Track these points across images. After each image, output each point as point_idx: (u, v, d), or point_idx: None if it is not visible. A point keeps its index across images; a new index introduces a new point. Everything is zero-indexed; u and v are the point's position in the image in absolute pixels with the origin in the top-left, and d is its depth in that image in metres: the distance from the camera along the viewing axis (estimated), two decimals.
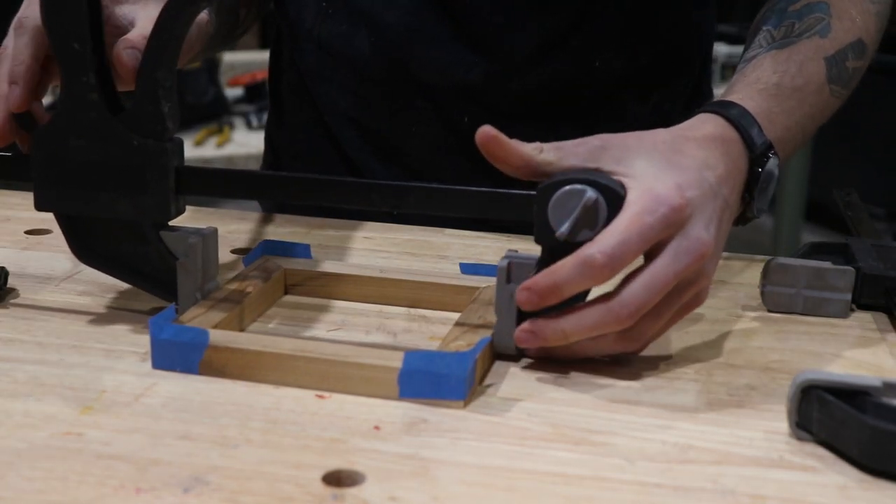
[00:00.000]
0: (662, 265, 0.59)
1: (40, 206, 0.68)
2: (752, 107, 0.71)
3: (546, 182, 0.61)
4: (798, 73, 0.76)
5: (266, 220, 0.94)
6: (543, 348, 0.63)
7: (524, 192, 0.62)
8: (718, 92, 0.80)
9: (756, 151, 0.68)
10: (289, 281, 0.75)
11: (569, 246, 0.60)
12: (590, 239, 0.60)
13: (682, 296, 0.61)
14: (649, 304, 0.59)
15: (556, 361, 0.64)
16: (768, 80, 0.74)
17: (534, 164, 0.61)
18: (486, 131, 0.60)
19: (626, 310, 0.59)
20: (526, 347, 0.63)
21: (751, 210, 0.70)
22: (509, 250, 0.64)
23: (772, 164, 0.69)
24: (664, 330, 0.63)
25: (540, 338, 0.61)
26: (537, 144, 0.61)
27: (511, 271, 0.62)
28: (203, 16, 0.75)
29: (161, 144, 0.65)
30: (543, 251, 0.62)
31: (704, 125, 0.68)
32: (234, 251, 0.84)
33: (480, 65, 0.89)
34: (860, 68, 0.81)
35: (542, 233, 0.61)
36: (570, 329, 0.60)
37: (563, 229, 0.60)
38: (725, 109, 0.69)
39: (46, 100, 0.72)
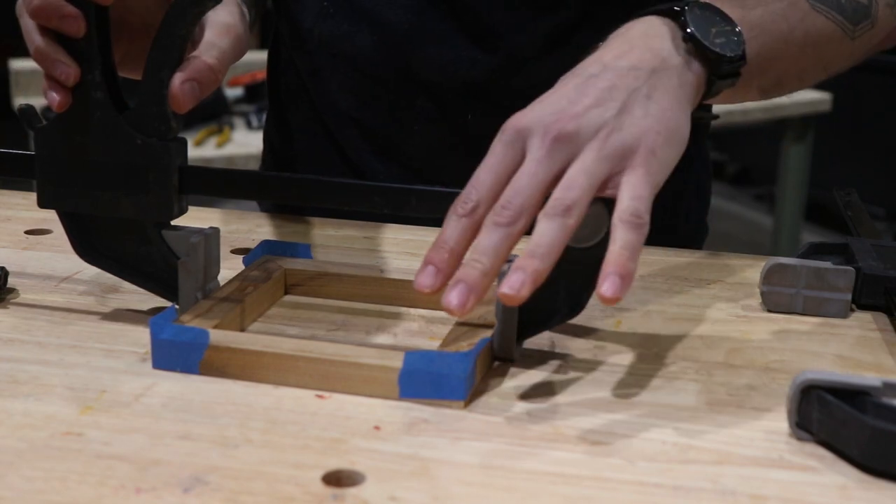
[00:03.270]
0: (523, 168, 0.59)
1: (43, 203, 0.68)
2: None
3: None
4: None
5: (266, 220, 0.94)
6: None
7: None
8: None
9: (668, 13, 0.66)
10: (289, 281, 0.75)
11: (569, 252, 0.60)
12: (592, 245, 0.60)
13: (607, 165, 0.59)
14: (524, 195, 0.58)
15: (555, 361, 0.64)
16: None
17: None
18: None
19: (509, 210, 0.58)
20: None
21: (706, 49, 0.64)
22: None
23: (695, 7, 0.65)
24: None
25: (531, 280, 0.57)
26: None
27: None
28: (232, 20, 0.74)
29: (164, 144, 0.65)
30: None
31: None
32: (234, 251, 0.84)
33: (484, 62, 0.89)
34: (862, 9, 0.77)
35: None
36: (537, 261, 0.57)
37: None
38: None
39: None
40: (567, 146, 0.59)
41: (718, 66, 0.65)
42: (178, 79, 0.64)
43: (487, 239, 0.58)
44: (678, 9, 0.66)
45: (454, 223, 0.59)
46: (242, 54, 0.75)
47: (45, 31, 0.65)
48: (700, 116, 0.68)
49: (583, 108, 0.60)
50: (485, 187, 0.59)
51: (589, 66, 0.64)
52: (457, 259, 0.59)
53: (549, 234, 0.57)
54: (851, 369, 0.65)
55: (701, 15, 0.66)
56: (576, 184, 0.58)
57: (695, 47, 0.64)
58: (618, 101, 0.61)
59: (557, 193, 0.58)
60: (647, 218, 0.57)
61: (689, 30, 0.64)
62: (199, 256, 0.67)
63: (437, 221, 0.62)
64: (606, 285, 0.54)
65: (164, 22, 0.63)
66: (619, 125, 0.60)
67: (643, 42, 0.64)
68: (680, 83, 0.63)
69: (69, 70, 0.64)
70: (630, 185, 0.58)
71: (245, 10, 0.80)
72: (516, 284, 0.55)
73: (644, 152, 0.59)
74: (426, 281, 0.58)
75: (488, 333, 0.64)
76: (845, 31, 0.76)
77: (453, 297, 0.56)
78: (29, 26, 0.65)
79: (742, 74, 0.67)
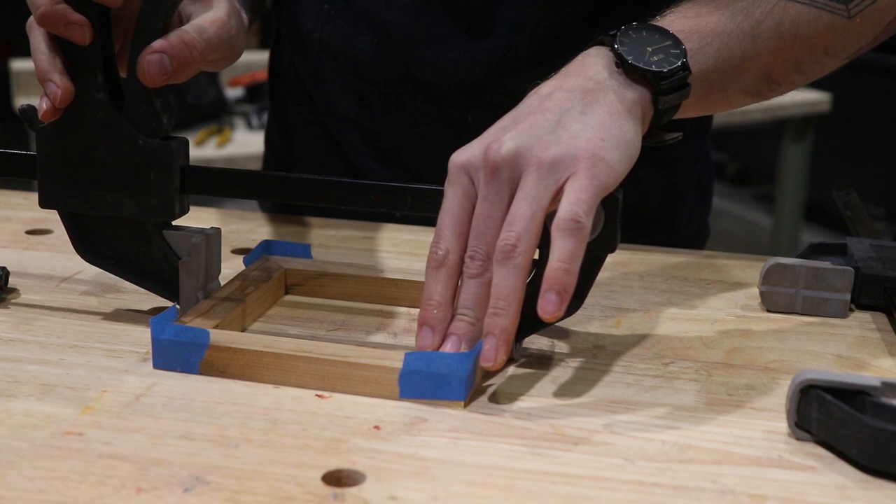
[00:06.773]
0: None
1: (44, 203, 0.68)
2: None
3: None
4: None
5: (266, 220, 0.94)
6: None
7: None
8: None
9: (606, 42, 0.66)
10: (289, 281, 0.75)
11: None
12: (589, 241, 0.60)
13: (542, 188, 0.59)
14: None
15: (555, 361, 0.64)
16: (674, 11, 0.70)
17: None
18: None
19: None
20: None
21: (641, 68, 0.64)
22: None
23: (632, 28, 0.66)
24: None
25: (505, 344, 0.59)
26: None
27: None
28: (221, 14, 0.74)
29: (166, 144, 0.65)
30: (541, 253, 0.62)
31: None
32: (234, 251, 0.84)
33: (483, 63, 0.89)
34: None
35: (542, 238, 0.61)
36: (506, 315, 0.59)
37: None
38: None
39: None
40: (507, 171, 0.60)
41: (657, 83, 0.65)
42: (144, 53, 0.64)
43: (466, 292, 0.61)
44: (612, 34, 0.66)
45: (432, 277, 0.61)
46: (235, 49, 0.74)
47: (50, 44, 0.65)
48: (663, 140, 0.68)
49: (516, 132, 0.61)
50: (448, 232, 0.61)
51: (525, 100, 0.65)
52: (445, 310, 0.61)
53: (502, 282, 0.59)
54: (850, 369, 0.65)
55: (636, 37, 0.66)
56: (517, 216, 0.59)
57: (629, 70, 0.64)
58: (551, 121, 0.61)
59: (501, 234, 0.59)
60: (586, 220, 0.58)
61: (624, 56, 0.64)
62: (201, 256, 0.67)
63: (435, 221, 0.62)
64: (544, 304, 0.57)
65: (139, 18, 0.64)
66: (555, 139, 0.60)
67: (578, 71, 0.65)
68: (619, 99, 0.63)
69: (57, 91, 0.64)
70: (571, 189, 0.59)
71: (242, 12, 0.80)
72: (491, 355, 0.58)
73: (587, 157, 0.59)
74: (426, 341, 0.61)
75: None
76: (834, 11, 0.73)
77: (448, 347, 0.60)
78: (36, 42, 0.66)
79: (692, 85, 0.66)
